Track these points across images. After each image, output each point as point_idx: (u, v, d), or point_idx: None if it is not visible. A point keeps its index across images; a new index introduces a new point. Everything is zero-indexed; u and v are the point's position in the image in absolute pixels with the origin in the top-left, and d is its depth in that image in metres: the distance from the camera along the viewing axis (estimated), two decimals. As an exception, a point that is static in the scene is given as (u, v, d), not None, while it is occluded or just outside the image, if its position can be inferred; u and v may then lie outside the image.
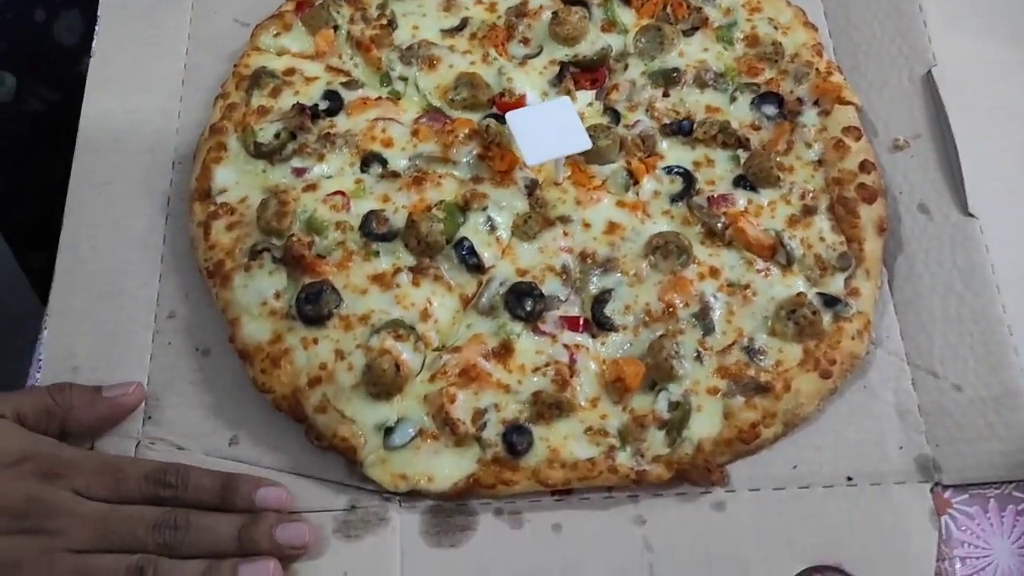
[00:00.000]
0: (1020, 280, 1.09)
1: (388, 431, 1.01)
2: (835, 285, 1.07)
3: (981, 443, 1.01)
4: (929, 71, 1.19)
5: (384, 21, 1.23)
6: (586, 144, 1.08)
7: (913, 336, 1.08)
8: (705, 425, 1.01)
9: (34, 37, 1.83)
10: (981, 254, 1.10)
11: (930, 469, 1.01)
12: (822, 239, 1.09)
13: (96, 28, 1.29)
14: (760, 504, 1.00)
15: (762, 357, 1.03)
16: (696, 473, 0.99)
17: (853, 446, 1.03)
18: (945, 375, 1.05)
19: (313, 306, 1.05)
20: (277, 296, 1.07)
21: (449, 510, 1.00)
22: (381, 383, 1.02)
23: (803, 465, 1.02)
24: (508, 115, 1.09)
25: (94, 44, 1.28)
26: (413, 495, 1.00)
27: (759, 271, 1.07)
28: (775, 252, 1.08)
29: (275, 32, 1.24)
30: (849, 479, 1.01)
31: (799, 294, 1.05)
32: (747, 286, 1.07)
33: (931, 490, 1.00)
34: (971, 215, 1.12)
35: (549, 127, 1.09)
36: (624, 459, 1.00)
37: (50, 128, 1.52)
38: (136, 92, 1.25)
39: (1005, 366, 1.05)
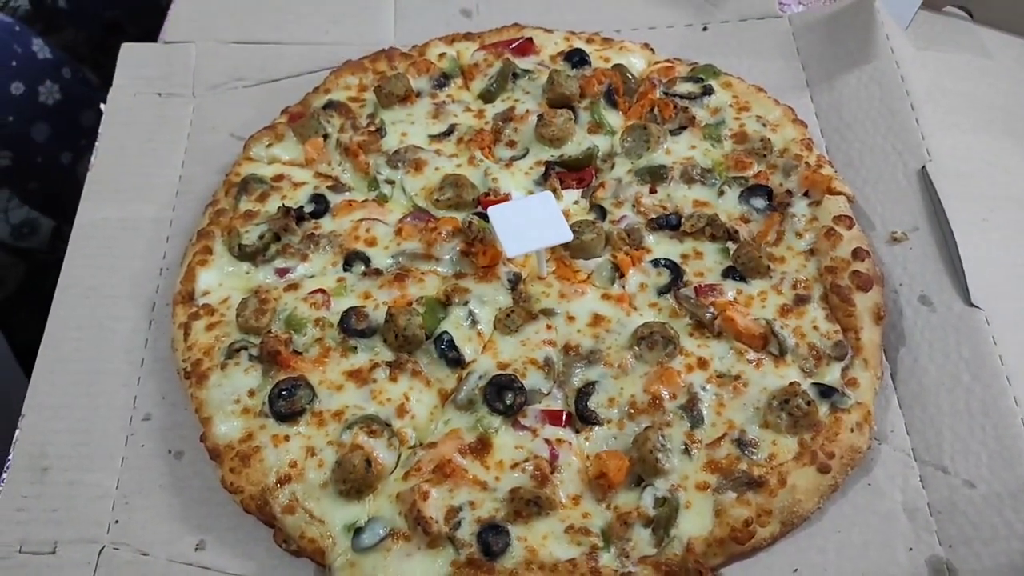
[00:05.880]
0: (1032, 370, 1.03)
1: (358, 532, 0.96)
2: (831, 375, 1.02)
3: (999, 543, 0.93)
4: (923, 166, 1.16)
5: (373, 128, 1.24)
6: (567, 236, 1.06)
7: (920, 431, 1.01)
8: (695, 522, 0.94)
9: (62, 178, 1.90)
10: (988, 345, 1.04)
11: (944, 572, 0.93)
12: (816, 328, 1.04)
13: (96, 143, 1.31)
14: (758, 611, 0.92)
15: (754, 450, 0.97)
16: (687, 576, 0.92)
17: (859, 548, 0.95)
18: (956, 471, 0.98)
19: (286, 402, 1.02)
20: (251, 394, 1.04)
21: (421, 618, 0.93)
22: (351, 480, 0.97)
23: (805, 568, 0.94)
24: (490, 209, 1.08)
25: (93, 156, 1.30)
26: (383, 602, 0.93)
27: (750, 362, 1.02)
28: (767, 342, 1.04)
29: (268, 143, 1.25)
30: (855, 584, 0.93)
31: (792, 384, 0.99)
32: (738, 377, 1.02)
33: (946, 595, 0.92)
34: (975, 306, 1.06)
35: (530, 220, 1.07)
36: (608, 560, 0.93)
37: None
38: (131, 202, 1.26)
39: (1021, 461, 0.97)
